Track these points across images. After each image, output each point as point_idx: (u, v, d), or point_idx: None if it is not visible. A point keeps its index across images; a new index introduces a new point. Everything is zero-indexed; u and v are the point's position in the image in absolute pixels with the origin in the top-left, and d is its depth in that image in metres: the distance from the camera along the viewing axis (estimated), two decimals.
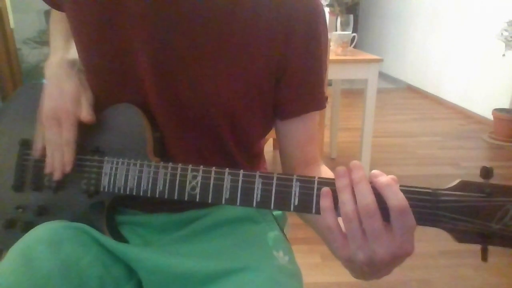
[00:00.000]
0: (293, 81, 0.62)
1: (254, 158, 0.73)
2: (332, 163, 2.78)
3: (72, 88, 0.61)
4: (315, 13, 0.61)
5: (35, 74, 3.03)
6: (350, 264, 0.44)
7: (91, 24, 0.60)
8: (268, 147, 2.79)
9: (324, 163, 0.67)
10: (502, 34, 3.08)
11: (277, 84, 0.62)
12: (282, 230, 0.73)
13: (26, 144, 0.64)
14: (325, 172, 0.65)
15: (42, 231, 0.58)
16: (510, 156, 2.99)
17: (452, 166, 2.79)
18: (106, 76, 0.62)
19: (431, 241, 1.80)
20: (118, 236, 0.64)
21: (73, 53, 0.66)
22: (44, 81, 0.64)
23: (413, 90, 5.37)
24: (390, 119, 3.96)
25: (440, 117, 4.10)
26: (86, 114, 0.60)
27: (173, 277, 0.58)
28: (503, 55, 3.13)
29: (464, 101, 4.19)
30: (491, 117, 3.44)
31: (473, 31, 4.01)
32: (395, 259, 0.41)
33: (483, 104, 3.79)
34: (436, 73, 4.79)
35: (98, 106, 0.63)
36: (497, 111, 3.34)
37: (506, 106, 3.42)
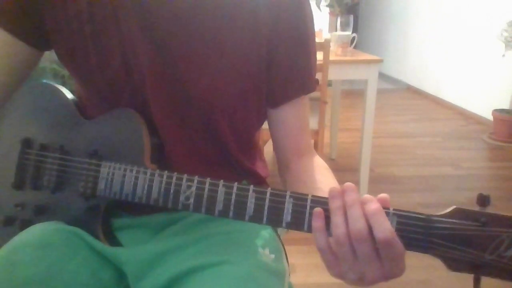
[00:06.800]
0: (282, 66, 0.63)
1: (250, 150, 0.73)
2: (332, 164, 2.78)
3: None
4: None
5: (35, 74, 3.03)
6: (341, 280, 0.45)
7: (87, 46, 0.59)
8: (268, 148, 2.79)
9: None
10: (502, 34, 3.08)
11: (267, 71, 0.63)
12: (275, 229, 0.72)
13: (27, 143, 0.65)
14: (318, 164, 0.65)
15: (33, 233, 0.58)
16: (510, 157, 2.99)
17: (452, 167, 2.79)
18: (106, 88, 0.61)
19: None
20: (113, 240, 0.63)
21: None
22: (45, 81, 0.64)
23: (413, 91, 5.37)
24: (390, 120, 3.96)
25: (440, 118, 4.10)
26: None
27: (157, 263, 0.58)
28: (503, 55, 3.14)
29: (464, 101, 4.19)
30: (491, 117, 3.44)
31: (473, 31, 4.01)
32: (386, 279, 0.42)
33: (483, 104, 3.79)
34: (436, 74, 4.79)
35: (98, 113, 0.63)
36: (497, 111, 3.34)
37: (506, 106, 3.42)
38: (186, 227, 0.65)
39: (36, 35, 0.60)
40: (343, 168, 2.72)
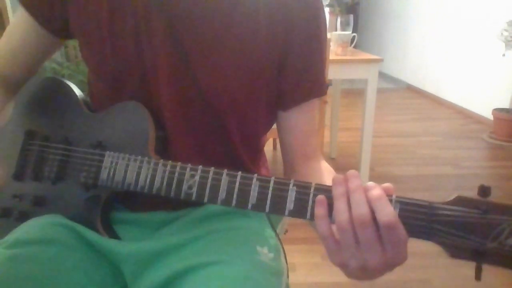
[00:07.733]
0: (294, 69, 0.63)
1: (256, 154, 0.73)
2: (332, 163, 2.78)
3: None
4: (314, 0, 0.63)
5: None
6: (343, 268, 0.45)
7: (102, 29, 0.60)
8: (268, 147, 2.79)
9: None
10: (502, 34, 3.08)
11: (279, 73, 0.63)
12: (273, 227, 0.72)
13: (30, 135, 0.65)
14: (325, 168, 0.65)
15: (32, 228, 0.58)
16: (510, 156, 2.99)
17: (452, 166, 2.79)
18: (117, 74, 0.62)
19: None
20: (112, 233, 0.63)
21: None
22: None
23: (413, 90, 5.37)
24: (390, 119, 3.96)
25: (440, 117, 4.10)
26: None
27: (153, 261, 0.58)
28: (503, 55, 3.14)
29: (464, 101, 4.19)
30: (491, 117, 3.44)
31: (473, 31, 4.01)
32: (388, 267, 0.42)
33: (483, 104, 3.79)
34: (436, 73, 4.79)
35: (108, 104, 0.64)
36: (497, 111, 3.34)
37: (506, 106, 3.42)
38: (185, 225, 0.64)
39: (57, 24, 0.64)
40: (343, 168, 2.72)
